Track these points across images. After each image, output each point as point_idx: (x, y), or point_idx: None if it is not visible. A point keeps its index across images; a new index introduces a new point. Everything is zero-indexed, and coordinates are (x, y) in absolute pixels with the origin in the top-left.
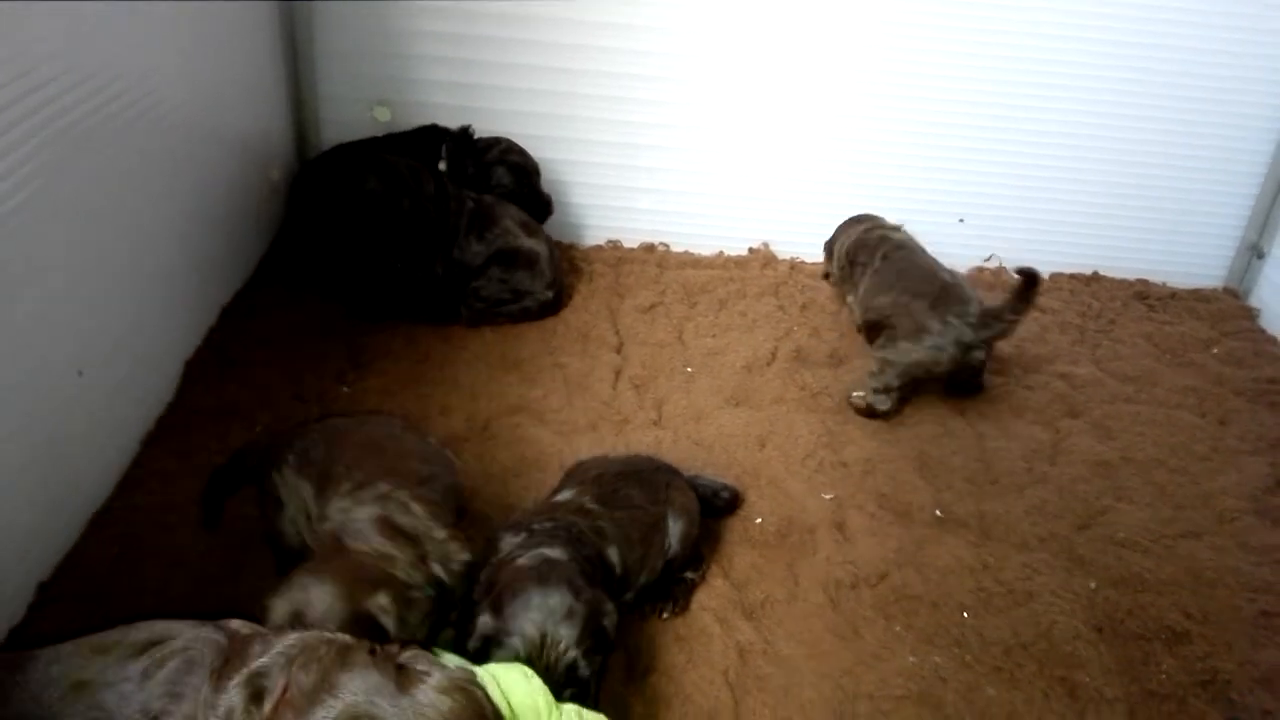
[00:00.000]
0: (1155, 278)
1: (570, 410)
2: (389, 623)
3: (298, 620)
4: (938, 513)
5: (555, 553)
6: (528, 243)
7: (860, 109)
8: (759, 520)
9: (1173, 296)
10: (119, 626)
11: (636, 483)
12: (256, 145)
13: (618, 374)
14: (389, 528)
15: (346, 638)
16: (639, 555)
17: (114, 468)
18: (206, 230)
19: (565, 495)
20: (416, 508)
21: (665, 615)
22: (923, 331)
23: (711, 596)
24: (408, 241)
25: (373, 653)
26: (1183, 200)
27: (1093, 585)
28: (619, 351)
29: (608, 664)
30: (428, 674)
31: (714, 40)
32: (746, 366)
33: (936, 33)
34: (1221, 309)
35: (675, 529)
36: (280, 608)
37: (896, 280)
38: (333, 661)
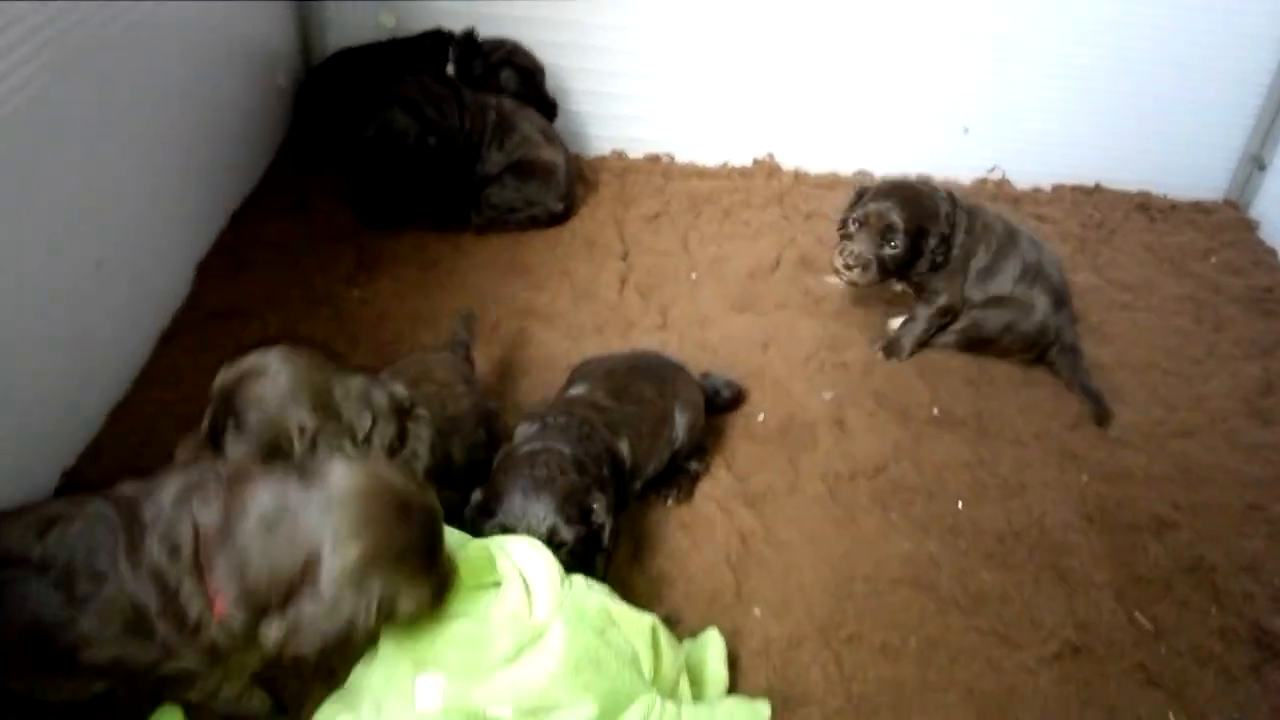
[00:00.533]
0: (1157, 190)
1: (577, 314)
2: (298, 443)
3: (245, 378)
4: (935, 411)
5: (559, 445)
6: (546, 153)
7: (865, 20)
8: (761, 417)
9: (1173, 208)
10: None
11: (645, 377)
12: (261, 50)
13: (624, 280)
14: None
15: (229, 466)
16: (648, 447)
17: (133, 362)
18: (214, 134)
19: (578, 390)
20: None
21: (670, 502)
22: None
23: (715, 487)
24: (432, 171)
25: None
26: (1185, 112)
27: (1084, 479)
28: (625, 259)
29: (603, 548)
30: (330, 463)
31: None
32: (750, 273)
33: None
34: (1221, 220)
35: (681, 421)
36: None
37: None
38: (228, 487)
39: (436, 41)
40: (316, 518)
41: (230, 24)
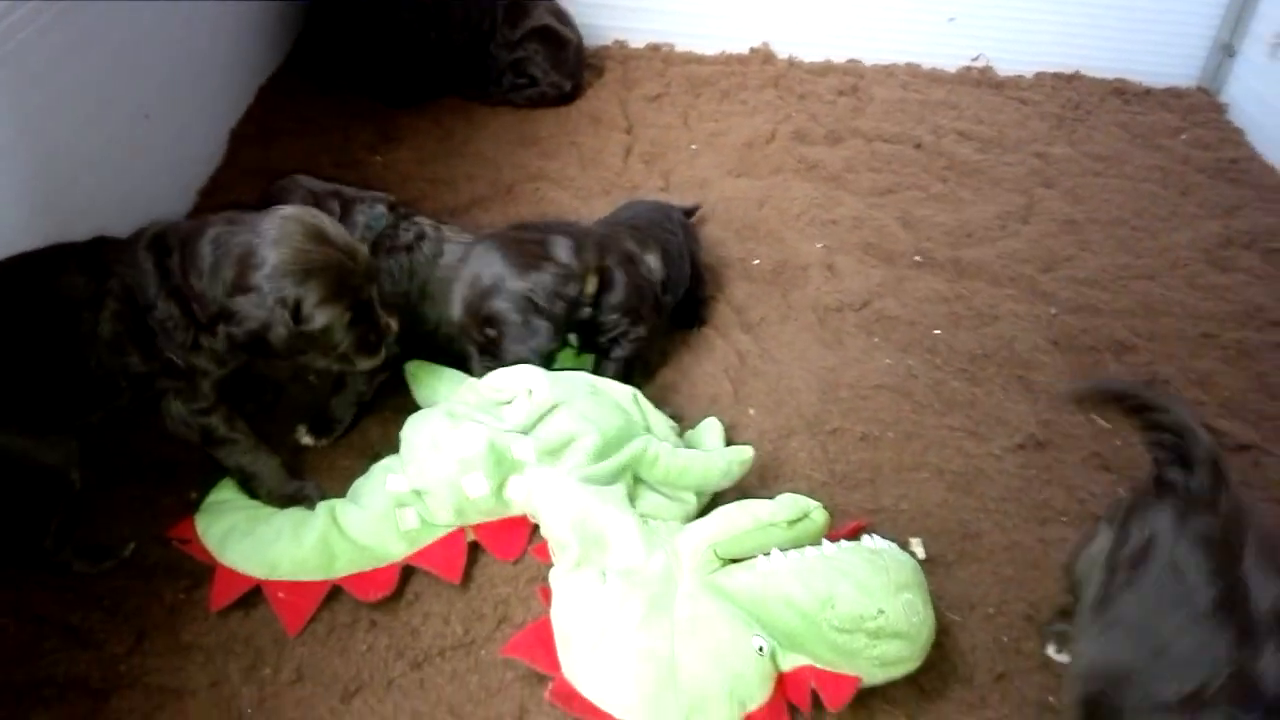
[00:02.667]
0: (1133, 76)
1: (585, 178)
2: None
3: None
4: (917, 258)
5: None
6: (559, 28)
7: None
8: (756, 261)
9: (1148, 92)
10: None
11: (665, 215)
12: None
13: (628, 151)
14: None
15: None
16: (676, 271)
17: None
18: (240, 15)
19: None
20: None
21: (699, 328)
22: None
23: (714, 317)
24: (436, 58)
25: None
26: (1159, 2)
27: (1053, 311)
28: (629, 133)
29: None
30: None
31: None
32: (748, 144)
33: None
34: (1193, 103)
35: (694, 258)
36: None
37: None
38: (191, 229)
39: None
40: (251, 236)
41: None
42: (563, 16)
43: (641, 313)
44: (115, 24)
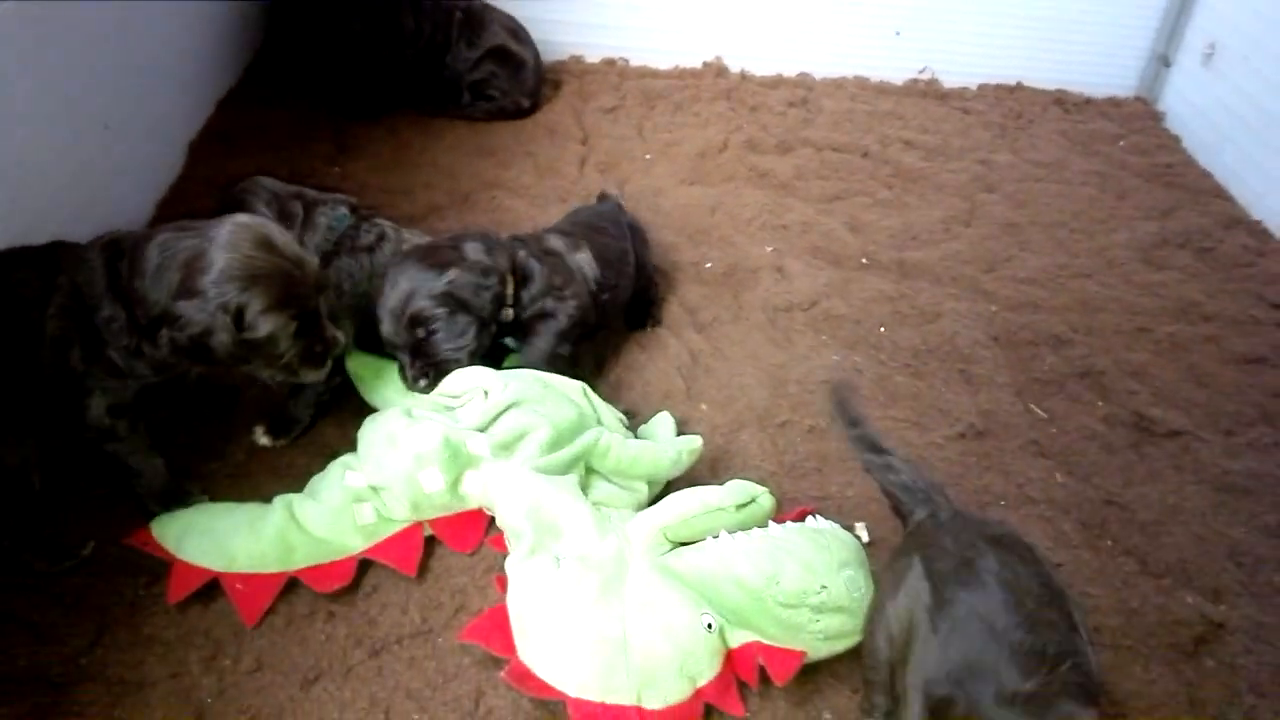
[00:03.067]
0: (1073, 87)
1: (541, 187)
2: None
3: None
4: (864, 260)
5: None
6: (516, 48)
7: None
8: (709, 265)
9: (1088, 102)
10: None
11: (602, 219)
12: None
13: (583, 161)
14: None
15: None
16: (614, 272)
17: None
18: (200, 28)
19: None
20: None
21: (652, 328)
22: None
23: (667, 317)
24: (391, 71)
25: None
26: (1098, 14)
27: (993, 309)
28: (584, 144)
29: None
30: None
31: None
32: (700, 153)
33: None
34: (1131, 112)
35: (643, 263)
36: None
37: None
38: (143, 235)
39: None
40: (200, 241)
41: None
42: (519, 34)
43: (565, 292)
44: (75, 33)
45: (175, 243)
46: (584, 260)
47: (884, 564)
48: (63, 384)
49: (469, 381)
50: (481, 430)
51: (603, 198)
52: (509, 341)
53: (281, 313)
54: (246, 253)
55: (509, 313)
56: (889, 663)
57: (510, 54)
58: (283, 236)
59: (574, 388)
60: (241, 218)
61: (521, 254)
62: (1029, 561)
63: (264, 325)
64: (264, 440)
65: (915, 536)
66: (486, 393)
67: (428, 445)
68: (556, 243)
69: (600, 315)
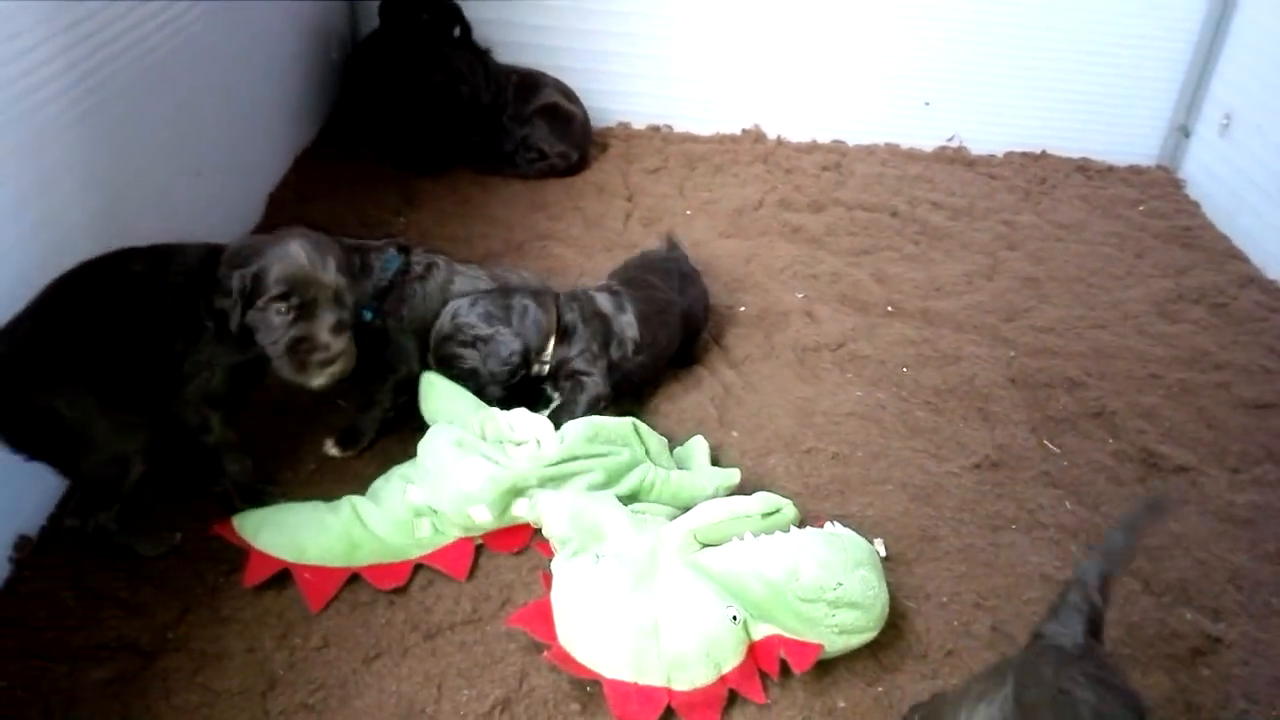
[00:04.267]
0: (1096, 155)
1: (589, 238)
2: None
3: None
4: (889, 308)
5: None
6: (566, 106)
7: (841, 7)
8: (743, 308)
9: (1110, 170)
10: None
11: (656, 272)
12: (320, 28)
13: (628, 215)
14: None
15: None
16: (655, 327)
17: None
18: (281, 91)
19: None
20: None
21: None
22: None
23: (702, 354)
24: (464, 121)
25: None
26: (1120, 87)
27: (1011, 354)
28: (629, 200)
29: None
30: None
31: None
32: (738, 210)
33: None
34: (1152, 179)
35: (691, 312)
36: None
37: None
38: None
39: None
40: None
41: (298, 8)
42: (569, 95)
43: (595, 368)
44: (177, 89)
45: (255, 240)
46: (627, 323)
47: (979, 672)
48: (168, 371)
49: (527, 428)
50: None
51: (670, 246)
52: (548, 388)
53: (283, 301)
54: (288, 247)
55: (544, 368)
56: None
57: (560, 110)
58: (324, 250)
59: (625, 425)
60: (309, 231)
61: (570, 316)
62: (1130, 708)
63: (266, 308)
64: (333, 451)
65: (1024, 652)
66: (540, 443)
67: (475, 486)
68: (605, 304)
69: (633, 377)
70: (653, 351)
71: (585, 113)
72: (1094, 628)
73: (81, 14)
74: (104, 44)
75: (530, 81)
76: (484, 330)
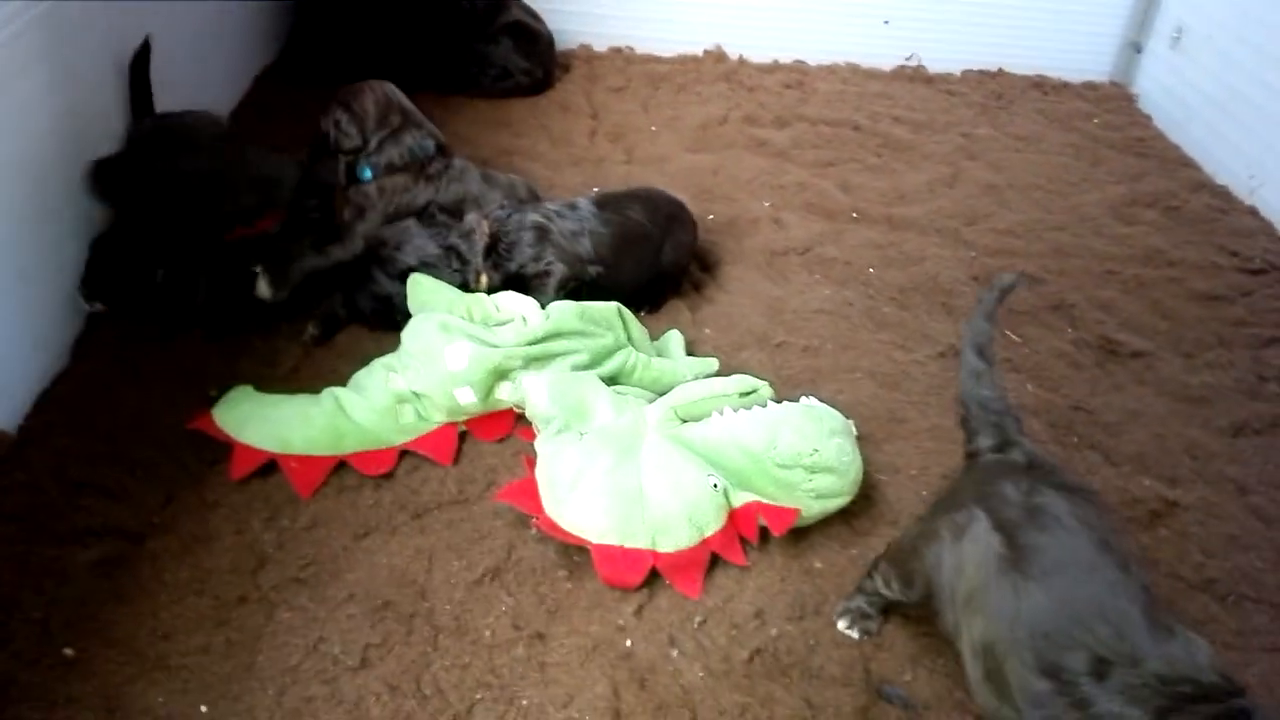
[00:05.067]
0: (1051, 73)
1: (555, 154)
2: None
3: None
4: (854, 215)
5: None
6: (533, 24)
7: None
8: (711, 217)
9: (1065, 86)
10: None
11: (640, 203)
12: None
13: (593, 132)
14: None
15: None
16: (618, 253)
17: None
18: (238, 12)
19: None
20: None
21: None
22: None
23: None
24: (420, 52)
25: None
26: (1073, 4)
27: (973, 255)
28: (594, 118)
29: None
30: None
31: None
32: (702, 126)
33: None
34: (1106, 94)
35: (668, 255)
36: None
37: None
38: None
39: None
40: None
41: None
42: (533, 14)
43: (549, 256)
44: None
45: None
46: (571, 230)
47: (937, 500)
48: None
49: (513, 306)
50: (518, 348)
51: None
52: None
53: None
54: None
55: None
56: (925, 579)
57: (526, 28)
58: None
59: (610, 309)
60: None
61: (512, 221)
62: (1095, 505)
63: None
64: (264, 290)
65: (974, 481)
66: (525, 319)
67: (460, 366)
68: (546, 218)
69: (592, 285)
70: (614, 276)
71: (550, 33)
72: (1006, 430)
73: None
74: None
75: (497, 2)
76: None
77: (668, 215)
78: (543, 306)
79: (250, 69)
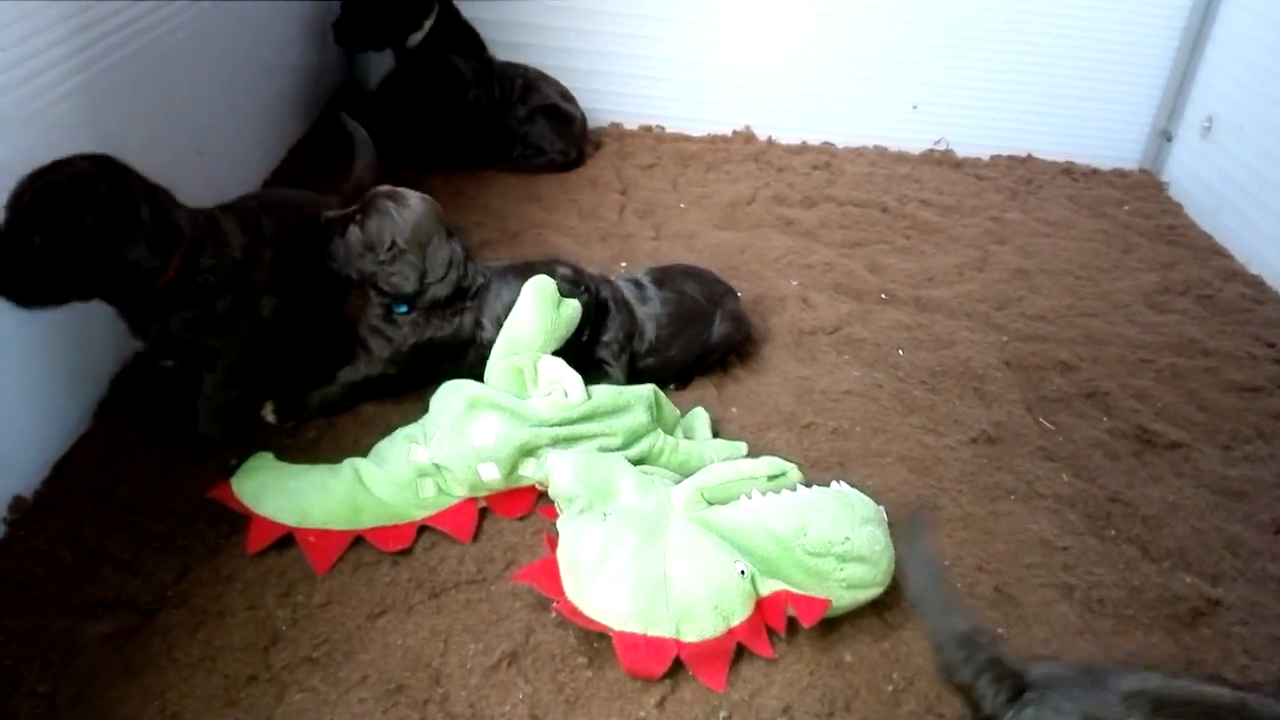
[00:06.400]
0: (1080, 159)
1: (584, 227)
2: None
3: None
4: (883, 296)
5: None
6: (565, 106)
7: (830, 14)
8: (739, 293)
9: (1094, 172)
10: None
11: (695, 280)
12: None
13: (623, 207)
14: None
15: None
16: (670, 332)
17: None
18: (274, 85)
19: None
20: None
21: (671, 388)
22: None
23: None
24: (468, 125)
25: None
26: (1103, 92)
27: (1004, 339)
28: (623, 194)
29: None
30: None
31: None
32: (731, 204)
33: None
34: (1135, 182)
35: (721, 329)
36: None
37: None
38: None
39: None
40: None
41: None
42: (567, 95)
43: (617, 360)
44: (177, 75)
45: None
46: (648, 316)
47: None
48: None
49: (556, 372)
50: (550, 425)
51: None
52: None
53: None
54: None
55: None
56: None
57: (560, 111)
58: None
59: (646, 391)
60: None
61: (604, 295)
62: None
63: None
64: (270, 417)
65: None
66: (567, 392)
67: (487, 441)
68: (629, 294)
69: (640, 378)
70: (663, 357)
71: (583, 114)
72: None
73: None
74: (109, 33)
75: (531, 83)
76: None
77: (721, 293)
78: (613, 380)
79: (284, 140)
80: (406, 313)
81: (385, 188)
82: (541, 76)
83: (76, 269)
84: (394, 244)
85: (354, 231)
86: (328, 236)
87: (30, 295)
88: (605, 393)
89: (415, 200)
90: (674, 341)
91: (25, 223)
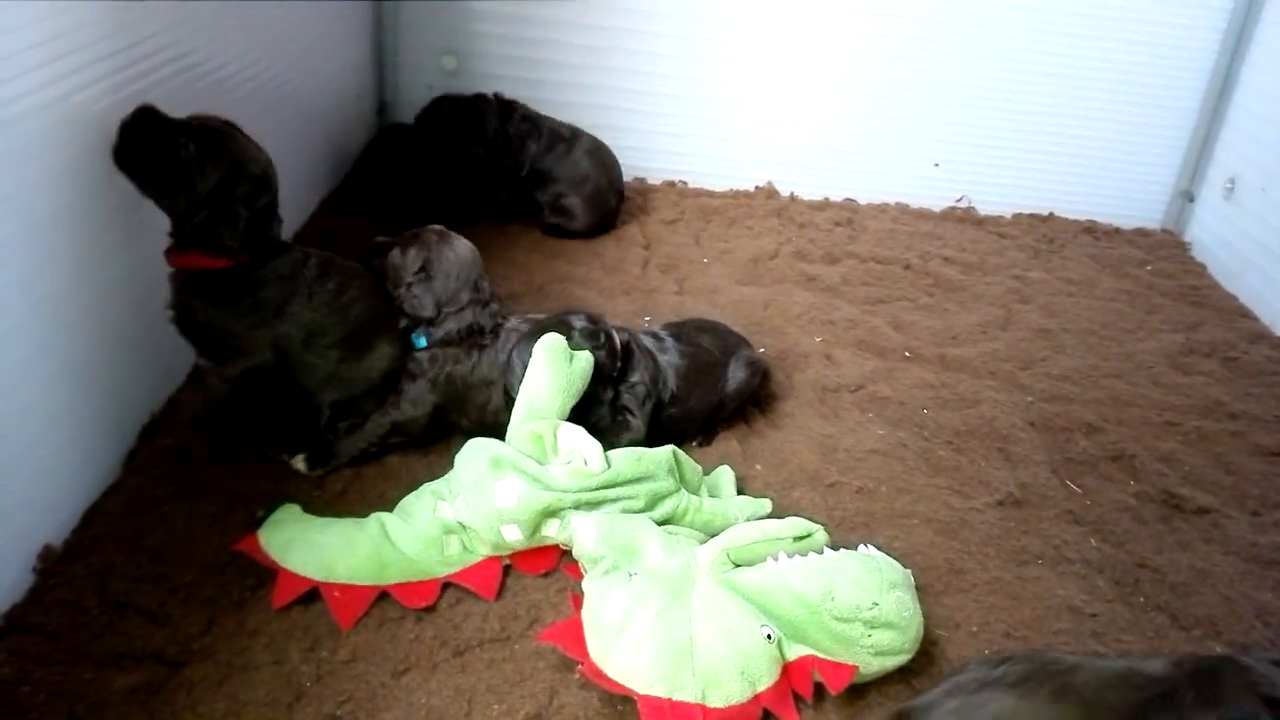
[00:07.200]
0: (1102, 219)
1: (608, 281)
2: None
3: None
4: (907, 354)
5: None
6: (596, 178)
7: (852, 72)
8: (761, 350)
9: (1117, 231)
10: None
11: (710, 334)
12: (352, 83)
13: (646, 262)
14: None
15: None
16: (689, 383)
17: None
18: (306, 140)
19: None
20: None
21: (696, 444)
22: None
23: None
24: (495, 189)
25: None
26: (1125, 152)
27: (1029, 399)
28: (647, 248)
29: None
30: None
31: (723, 17)
32: (753, 259)
33: (916, 10)
34: (1158, 241)
35: (736, 376)
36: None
37: None
38: None
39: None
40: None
41: (328, 67)
42: (605, 164)
43: (640, 410)
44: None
45: None
46: (668, 364)
47: None
48: None
49: (576, 441)
50: (572, 492)
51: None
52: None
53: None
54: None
55: (608, 393)
56: None
57: (593, 189)
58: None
59: (665, 453)
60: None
61: (626, 338)
62: None
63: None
64: (300, 466)
65: None
66: (586, 461)
67: (509, 503)
68: (649, 344)
69: (663, 429)
70: (684, 408)
71: (620, 189)
72: None
73: (132, 40)
74: (149, 64)
75: (572, 147)
76: None
77: (735, 344)
78: (633, 432)
79: (316, 195)
80: (425, 348)
81: (438, 226)
82: (576, 135)
83: None
84: (423, 269)
85: (394, 255)
86: (371, 256)
87: None
88: (625, 460)
89: (460, 242)
90: (693, 392)
91: None
